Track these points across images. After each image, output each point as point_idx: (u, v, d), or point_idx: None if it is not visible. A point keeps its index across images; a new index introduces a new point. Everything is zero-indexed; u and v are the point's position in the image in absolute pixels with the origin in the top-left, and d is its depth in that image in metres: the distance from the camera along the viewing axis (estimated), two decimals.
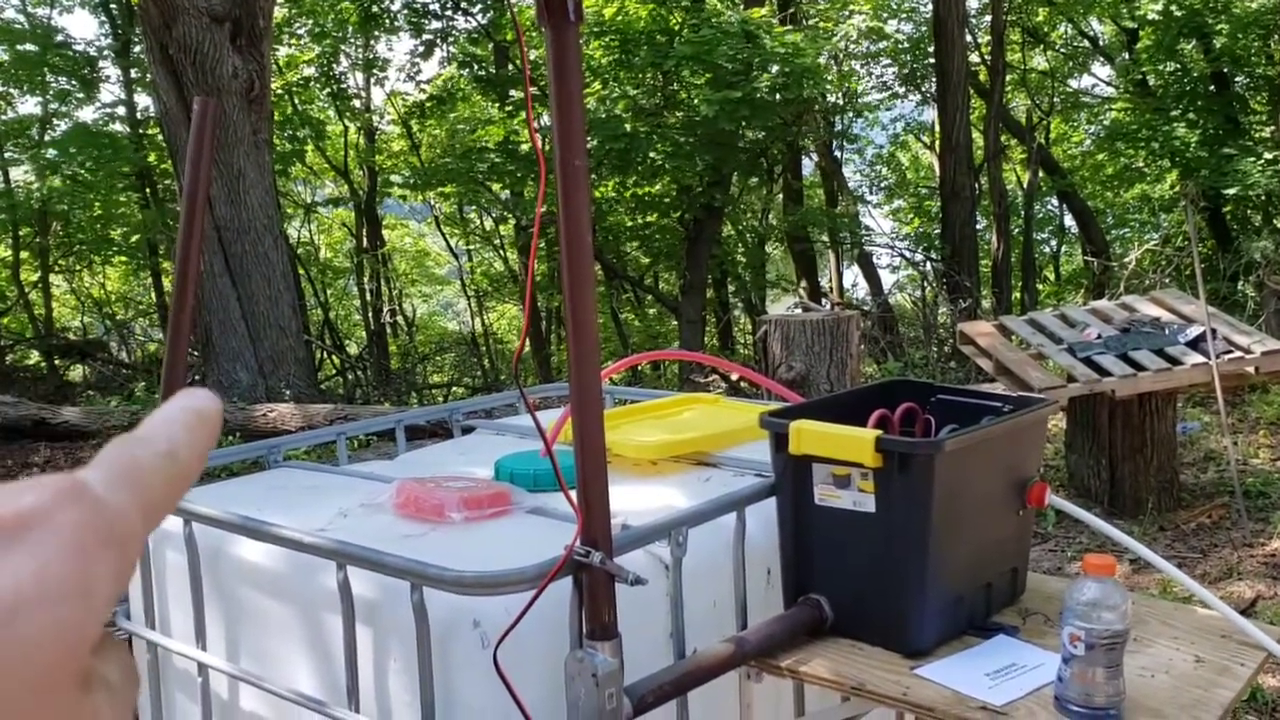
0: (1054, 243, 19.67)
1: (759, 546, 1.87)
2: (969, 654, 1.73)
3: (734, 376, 8.94)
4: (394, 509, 1.77)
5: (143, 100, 15.47)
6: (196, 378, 9.96)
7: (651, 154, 10.63)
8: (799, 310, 9.62)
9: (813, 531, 1.80)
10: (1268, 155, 13.63)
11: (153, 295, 17.17)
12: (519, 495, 1.83)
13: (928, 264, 15.61)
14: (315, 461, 2.72)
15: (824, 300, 16.51)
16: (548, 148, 1.50)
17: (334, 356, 14.71)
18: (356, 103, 17.22)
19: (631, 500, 1.93)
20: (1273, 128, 14.30)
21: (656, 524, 1.65)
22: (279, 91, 14.88)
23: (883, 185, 20.62)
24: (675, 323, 13.80)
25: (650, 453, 2.12)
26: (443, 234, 17.03)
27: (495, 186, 13.27)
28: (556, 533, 1.65)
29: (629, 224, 13.13)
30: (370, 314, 16.60)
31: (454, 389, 15.21)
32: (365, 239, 17.68)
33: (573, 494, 1.49)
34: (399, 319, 19.04)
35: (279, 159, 13.82)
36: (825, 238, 16.18)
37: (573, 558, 1.45)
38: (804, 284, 15.86)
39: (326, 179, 18.85)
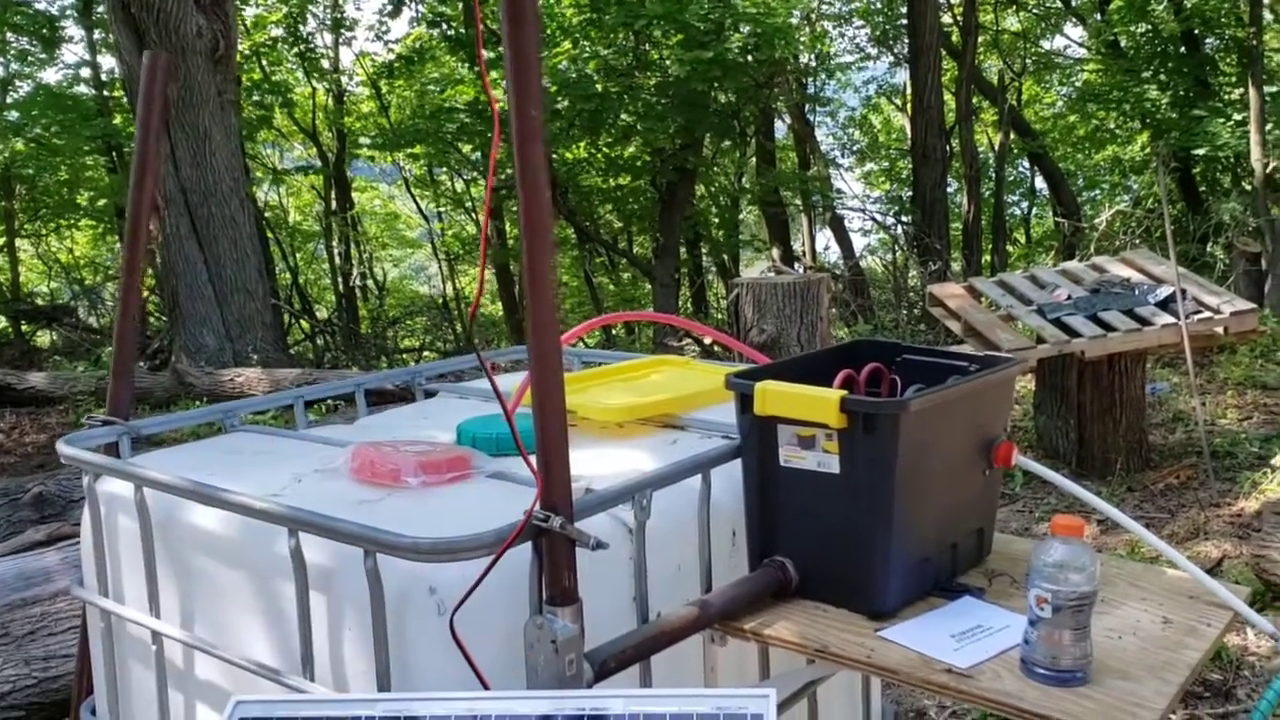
0: (1025, 205, 19.72)
1: (724, 509, 1.84)
2: (934, 615, 1.71)
3: (707, 340, 8.93)
4: (350, 474, 1.73)
5: (107, 62, 15.18)
6: (165, 342, 9.85)
7: (623, 115, 10.53)
8: (771, 274, 9.60)
9: (778, 493, 1.77)
10: (1237, 116, 13.67)
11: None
12: (480, 460, 1.80)
13: (899, 227, 15.61)
14: (279, 427, 2.67)
15: (796, 264, 16.51)
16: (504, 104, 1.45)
17: (303, 321, 14.57)
18: (325, 63, 16.96)
19: (596, 464, 1.89)
20: (1242, 89, 14.32)
21: (619, 487, 1.62)
22: (246, 54, 14.64)
23: (855, 148, 20.58)
24: (649, 286, 13.75)
25: (616, 416, 2.08)
26: (413, 196, 16.86)
27: (465, 148, 13.12)
28: (517, 497, 1.62)
29: (601, 186, 13.03)
30: (339, 278, 16.42)
31: (425, 353, 15.14)
32: (334, 202, 17.48)
33: (533, 458, 1.45)
34: (369, 283, 18.88)
35: (247, 125, 13.61)
36: (798, 201, 16.14)
37: (532, 522, 1.41)
38: (777, 247, 15.83)
39: (295, 141, 18.59)
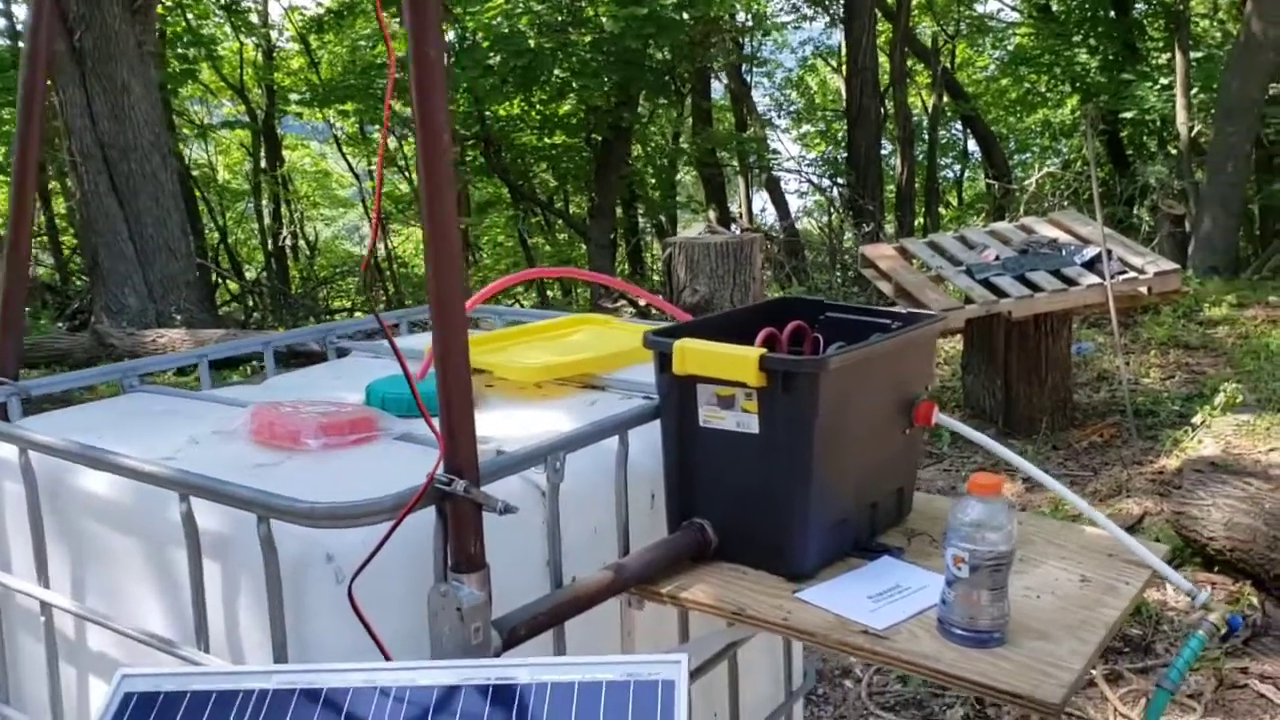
0: (958, 168, 19.90)
1: (644, 470, 1.80)
2: (852, 576, 1.69)
3: (642, 302, 8.87)
4: (248, 436, 1.65)
5: (21, 11, 14.58)
6: (86, 303, 9.57)
7: (557, 71, 10.38)
8: (706, 234, 9.55)
9: (697, 454, 1.73)
10: (1164, 81, 13.86)
11: (41, 216, 16.40)
12: (387, 421, 1.73)
13: (834, 189, 15.65)
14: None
15: (733, 225, 16.48)
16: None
17: (230, 281, 14.26)
18: (254, 17, 16.49)
19: (512, 425, 1.84)
20: (1169, 54, 14.51)
21: (531, 449, 1.56)
22: (170, 5, 14.16)
23: (791, 109, 20.57)
24: (586, 247, 13.64)
25: (534, 375, 2.03)
26: (343, 154, 16.51)
27: (397, 104, 12.85)
28: (424, 460, 1.55)
29: (535, 144, 12.86)
30: (267, 237, 16.07)
31: (356, 314, 14.90)
32: (264, 160, 17.07)
33: (436, 420, 1.39)
34: (300, 242, 18.51)
35: (171, 79, 13.19)
36: (735, 162, 16.10)
37: (434, 486, 1.35)
38: (713, 209, 15.79)
39: (224, 98, 18.10)
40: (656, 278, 15.14)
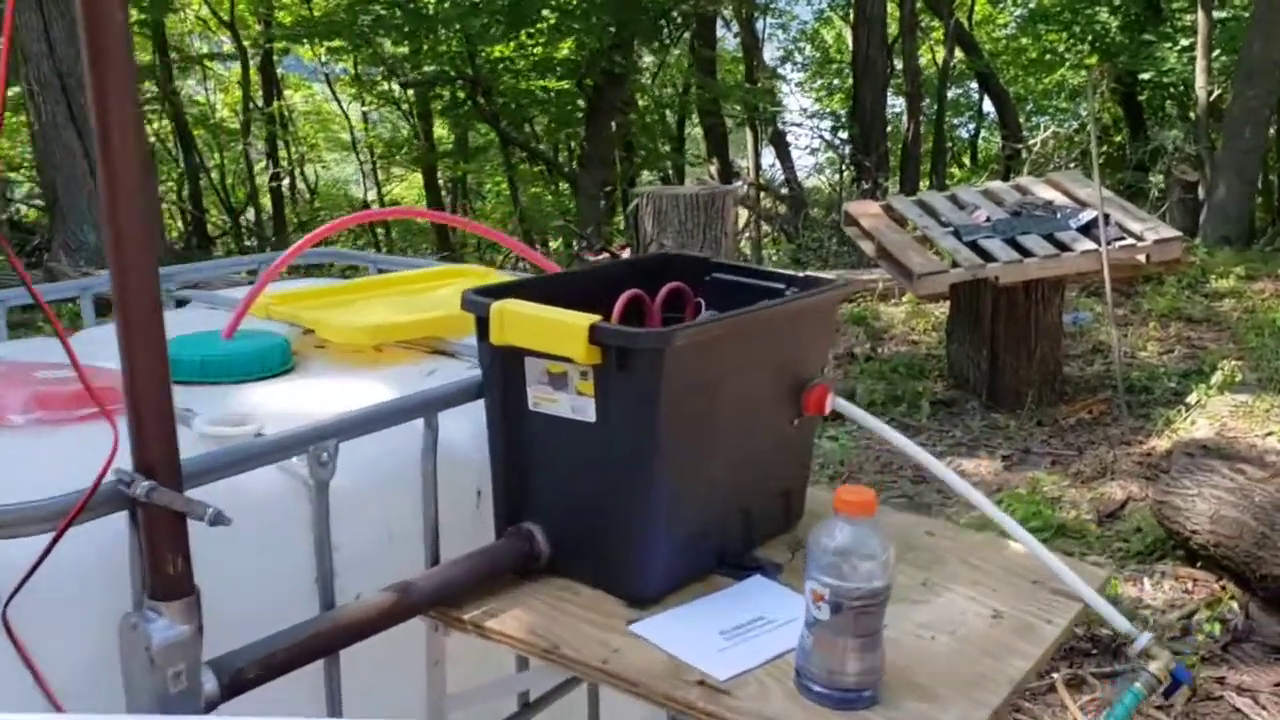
0: (971, 127, 19.35)
1: (468, 460, 1.47)
2: (709, 602, 1.36)
3: (625, 252, 8.51)
4: None
5: None
6: (46, 239, 9.24)
7: (545, 11, 9.93)
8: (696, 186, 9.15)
9: (526, 444, 1.40)
10: (1185, 42, 13.34)
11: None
12: None
13: (847, 146, 15.17)
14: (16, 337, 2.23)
15: (737, 179, 16.05)
16: None
17: (212, 221, 13.89)
18: None
19: (313, 399, 1.51)
20: (1192, 16, 13.96)
21: (287, 435, 1.23)
22: None
23: (804, 63, 20.01)
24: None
25: (359, 338, 1.69)
26: (334, 93, 16.05)
27: (386, 42, 12.43)
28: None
29: (526, 88, 12.42)
30: (253, 177, 15.67)
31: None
32: (263, 99, 16.61)
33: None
34: (300, 184, 18.10)
35: (152, 6, 12.74)
36: (739, 115, 15.62)
37: (108, 487, 1.03)
38: (715, 161, 15.36)
39: (224, 35, 17.62)
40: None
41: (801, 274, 1.54)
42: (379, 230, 16.67)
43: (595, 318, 1.27)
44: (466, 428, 1.46)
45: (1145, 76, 14.61)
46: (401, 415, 1.34)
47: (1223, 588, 3.63)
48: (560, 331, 1.28)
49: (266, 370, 1.63)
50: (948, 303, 5.95)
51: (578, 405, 1.33)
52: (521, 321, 1.32)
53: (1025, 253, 5.16)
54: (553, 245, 14.79)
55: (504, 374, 1.38)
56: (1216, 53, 12.74)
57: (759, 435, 1.45)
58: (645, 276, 1.62)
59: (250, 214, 16.67)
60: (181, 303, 2.14)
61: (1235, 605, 3.40)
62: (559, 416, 1.35)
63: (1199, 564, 3.77)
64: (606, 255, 9.01)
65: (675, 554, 1.36)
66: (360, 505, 1.33)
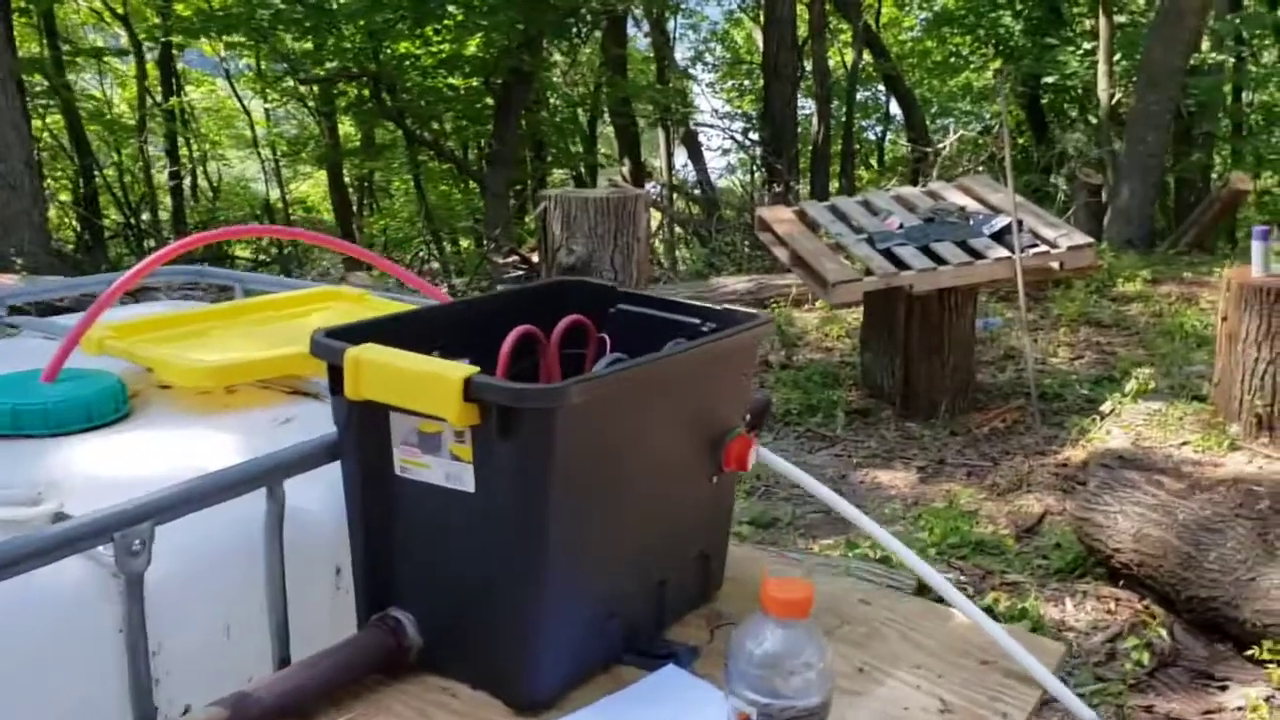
0: (879, 129, 19.48)
1: (326, 532, 1.24)
2: (612, 705, 1.15)
3: (535, 255, 8.25)
4: None
5: None
6: None
7: (451, 8, 9.63)
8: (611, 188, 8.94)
9: (392, 516, 1.17)
10: (1087, 46, 13.55)
11: None
12: None
13: (758, 148, 15.10)
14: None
15: (649, 180, 15.88)
16: None
17: (100, 221, 13.26)
18: None
19: (148, 457, 1.27)
20: (1093, 20, 14.19)
21: (89, 522, 0.99)
22: None
23: (715, 64, 19.95)
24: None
25: (205, 378, 1.44)
26: (234, 90, 15.47)
27: (286, 37, 11.97)
28: None
29: (430, 86, 12.06)
30: (149, 176, 15.02)
31: (260, 266, 13.93)
32: (162, 95, 15.93)
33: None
34: (201, 182, 17.42)
35: None
36: (650, 115, 15.45)
37: None
38: (626, 162, 15.17)
39: (119, 27, 16.86)
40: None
41: (720, 307, 1.34)
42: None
43: (470, 369, 1.05)
44: (321, 492, 1.23)
45: (1048, 80, 14.83)
46: (235, 488, 1.11)
47: (1146, 608, 3.54)
48: (429, 386, 1.06)
49: (94, 420, 1.38)
50: (861, 309, 5.84)
51: (453, 472, 1.11)
52: (382, 373, 1.10)
53: (939, 260, 5.06)
54: (464, 244, 14.46)
55: (364, 433, 1.15)
56: (1118, 57, 12.95)
57: (673, 497, 1.25)
58: (540, 308, 1.40)
59: (148, 214, 16.00)
60: (14, 327, 1.86)
61: (1162, 630, 3.30)
62: (431, 484, 1.13)
63: (1121, 583, 3.67)
64: (516, 257, 8.76)
65: (573, 644, 1.15)
66: (188, 594, 1.10)
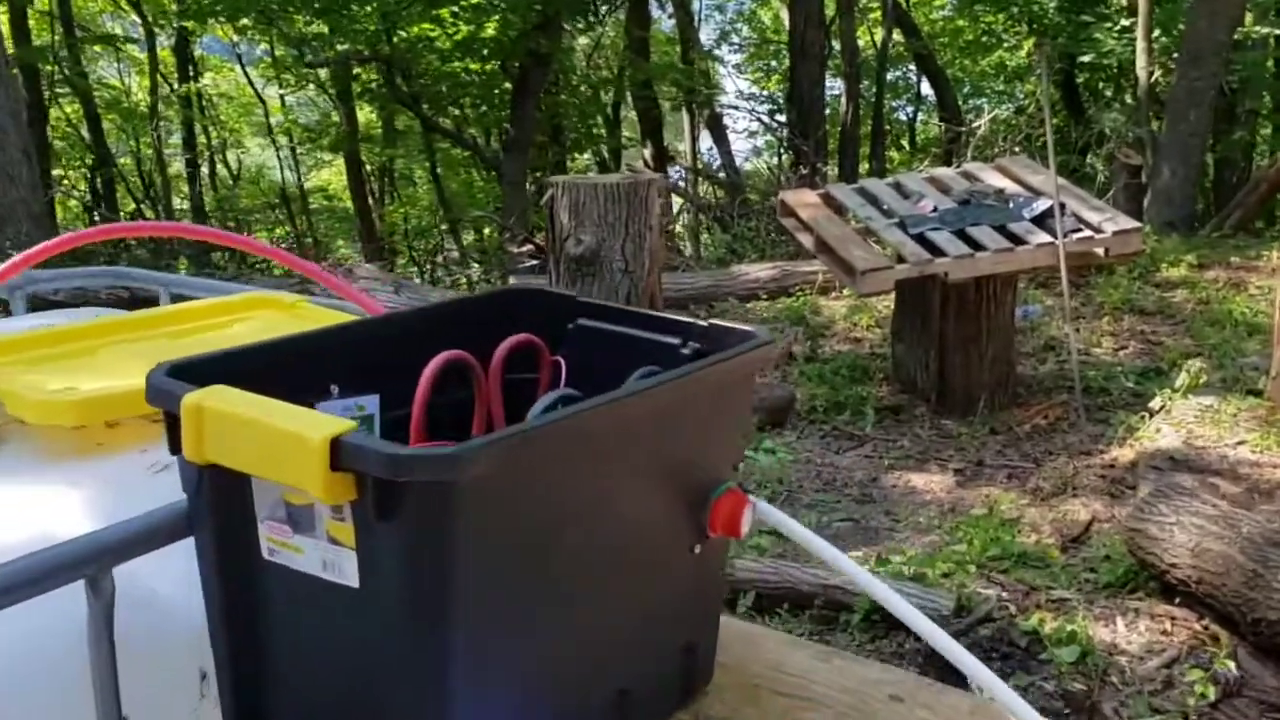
0: (910, 110, 19.04)
1: (188, 624, 0.95)
2: None
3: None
4: None
5: None
6: None
7: None
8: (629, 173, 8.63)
9: (264, 612, 0.88)
10: (1125, 22, 13.07)
11: None
12: None
13: (784, 129, 14.71)
14: None
15: (673, 164, 15.54)
16: None
17: (97, 214, 13.07)
18: None
19: None
20: None
21: None
22: None
23: (739, 44, 19.54)
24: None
25: (62, 414, 1.15)
26: (246, 74, 15.24)
27: (297, 20, 11.72)
28: None
29: (446, 70, 11.75)
30: (163, 165, 14.84)
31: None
32: (179, 81, 15.74)
33: None
34: (221, 170, 17.22)
35: None
36: (673, 97, 15.10)
37: None
38: (649, 145, 14.83)
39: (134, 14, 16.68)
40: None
41: (706, 323, 1.04)
42: (299, 220, 15.92)
43: (339, 425, 0.75)
44: (182, 570, 0.94)
45: (1084, 59, 14.35)
46: (37, 583, 0.81)
47: (1206, 629, 3.22)
48: (284, 448, 0.76)
49: None
50: (892, 296, 5.51)
51: (331, 559, 0.81)
52: (226, 428, 0.80)
53: (976, 246, 4.73)
54: (487, 233, 14.17)
55: (220, 503, 0.86)
56: (1157, 33, 12.46)
57: (639, 579, 0.95)
58: (483, 324, 1.11)
59: (171, 204, 15.82)
60: None
61: (1228, 660, 2.98)
62: (306, 574, 0.83)
63: (1177, 600, 3.35)
64: (531, 246, 8.47)
65: None
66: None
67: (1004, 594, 3.49)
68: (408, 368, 1.01)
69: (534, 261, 7.75)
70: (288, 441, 0.76)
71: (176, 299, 1.77)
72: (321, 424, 0.76)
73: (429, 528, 0.75)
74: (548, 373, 1.12)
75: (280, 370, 0.96)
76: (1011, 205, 5.01)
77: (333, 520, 0.81)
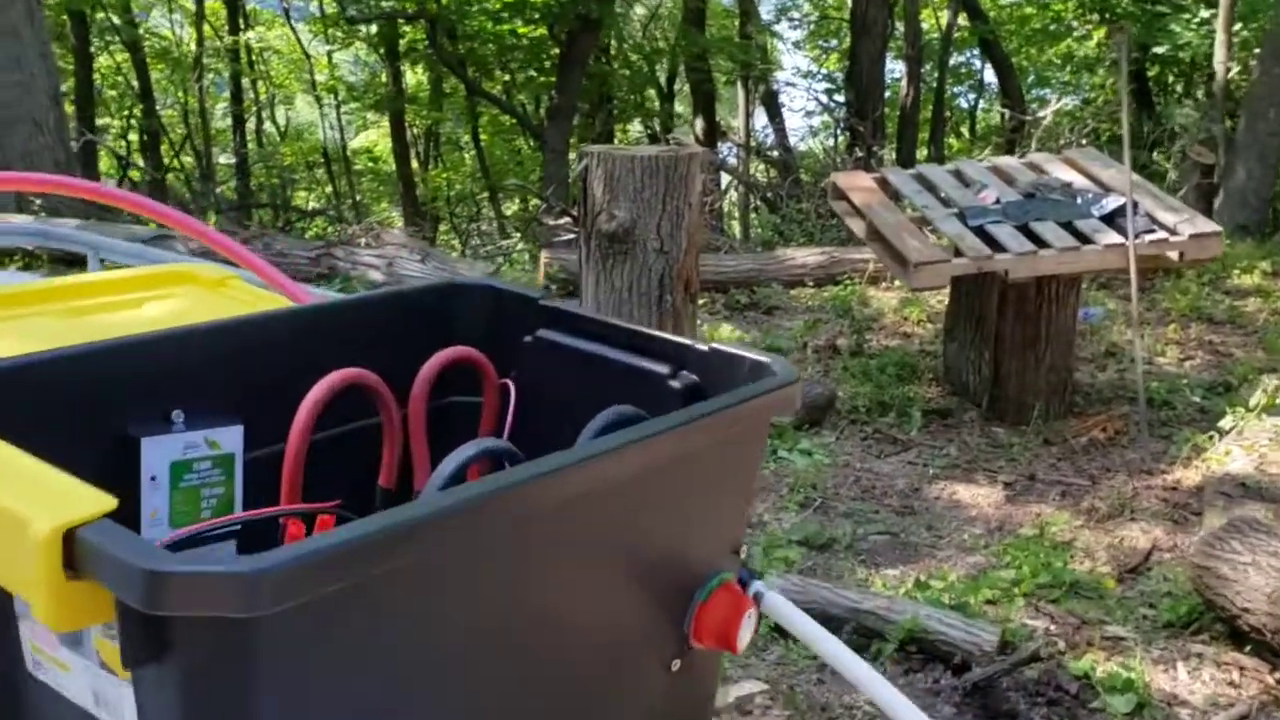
0: (972, 97, 18.50)
1: None
2: None
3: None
4: None
5: None
6: None
7: None
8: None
9: None
10: (1205, 13, 12.51)
11: None
12: None
13: (841, 110, 14.29)
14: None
15: (725, 140, 15.19)
16: None
17: (133, 168, 12.92)
18: None
19: None
20: None
21: None
22: None
23: (800, 20, 19.07)
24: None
25: None
26: (292, 28, 14.99)
27: None
28: None
29: (493, 32, 11.44)
30: (205, 119, 14.67)
31: (316, 219, 13.50)
32: (229, 34, 15.57)
33: None
34: (268, 127, 17.06)
35: None
36: (728, 71, 14.72)
37: None
38: (700, 119, 14.47)
39: None
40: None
41: (707, 347, 0.75)
42: (340, 181, 15.72)
43: (87, 508, 0.47)
44: None
45: (1157, 51, 13.78)
46: None
47: None
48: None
49: None
50: (946, 291, 5.17)
51: (104, 691, 0.53)
52: None
53: (1039, 243, 4.38)
54: (532, 202, 13.90)
55: None
56: (1238, 26, 11.90)
57: (590, 709, 0.66)
58: (411, 331, 0.82)
59: (211, 158, 15.67)
60: None
61: None
62: (77, 705, 0.55)
63: (1248, 648, 3.02)
64: (568, 219, 8.18)
65: None
66: None
67: (1053, 627, 3.18)
68: (291, 387, 0.72)
69: (571, 235, 7.45)
70: (3, 527, 0.48)
71: (104, 265, 1.50)
72: (59, 502, 0.47)
73: (217, 679, 0.47)
74: (493, 398, 0.83)
75: (108, 384, 0.68)
76: (1079, 201, 4.66)
77: (102, 637, 0.53)
